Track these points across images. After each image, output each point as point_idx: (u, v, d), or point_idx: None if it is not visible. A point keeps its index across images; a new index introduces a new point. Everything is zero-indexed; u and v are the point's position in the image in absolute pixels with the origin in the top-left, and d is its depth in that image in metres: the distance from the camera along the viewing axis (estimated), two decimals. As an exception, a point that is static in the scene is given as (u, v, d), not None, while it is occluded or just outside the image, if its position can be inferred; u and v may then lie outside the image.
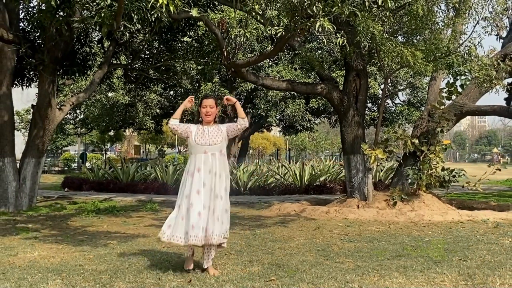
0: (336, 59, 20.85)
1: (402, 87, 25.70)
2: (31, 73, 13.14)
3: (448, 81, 10.80)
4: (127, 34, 11.60)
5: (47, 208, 11.64)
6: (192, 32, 13.64)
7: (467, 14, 9.42)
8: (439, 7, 9.60)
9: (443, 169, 10.51)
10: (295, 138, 54.07)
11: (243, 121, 5.33)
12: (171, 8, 5.80)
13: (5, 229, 8.47)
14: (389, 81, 18.10)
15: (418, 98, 25.78)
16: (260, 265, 5.49)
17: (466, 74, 9.91)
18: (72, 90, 22.19)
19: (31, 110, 12.08)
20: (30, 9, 12.24)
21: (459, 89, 10.76)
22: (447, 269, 5.20)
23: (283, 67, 21.79)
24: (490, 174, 10.73)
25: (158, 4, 5.74)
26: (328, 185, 16.22)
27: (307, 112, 23.64)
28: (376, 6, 7.28)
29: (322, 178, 16.69)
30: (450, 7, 9.49)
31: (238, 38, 8.49)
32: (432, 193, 10.74)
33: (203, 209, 5.05)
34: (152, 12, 7.29)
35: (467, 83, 10.87)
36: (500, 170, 10.90)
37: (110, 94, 23.45)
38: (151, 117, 24.90)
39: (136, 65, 14.50)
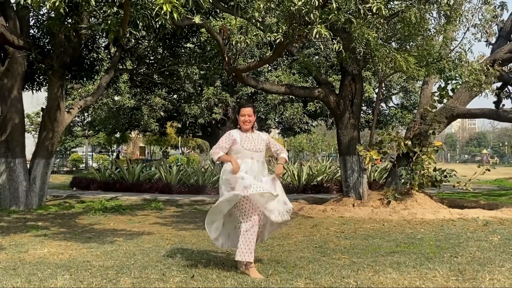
0: (332, 64, 20.85)
1: (396, 91, 25.71)
2: (41, 77, 13.15)
3: (440, 85, 10.82)
4: (133, 41, 11.63)
5: (56, 206, 11.65)
6: (195, 39, 13.64)
7: (457, 22, 9.41)
8: (431, 14, 9.60)
9: (435, 170, 10.51)
10: (293, 140, 54.01)
11: (285, 156, 5.39)
12: (175, 16, 5.80)
13: (16, 227, 8.48)
14: (383, 85, 18.11)
15: (411, 101, 25.76)
16: (259, 261, 5.49)
17: (457, 78, 9.92)
18: (80, 94, 22.18)
19: (41, 113, 12.09)
20: (40, 17, 12.26)
21: (450, 93, 10.77)
22: (438, 265, 5.20)
23: (282, 72, 21.78)
24: (480, 174, 10.74)
25: (163, 12, 5.74)
26: (325, 184, 16.21)
27: (305, 115, 23.63)
28: (370, 13, 7.29)
29: (319, 178, 16.69)
30: (441, 15, 9.48)
31: (238, 44, 8.47)
32: (424, 192, 10.74)
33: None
34: (157, 20, 7.30)
35: (458, 87, 10.87)
36: (489, 170, 10.91)
37: (116, 98, 23.43)
38: (155, 119, 24.87)
39: (141, 70, 14.51)
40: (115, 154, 40.77)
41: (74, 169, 36.63)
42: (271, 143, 5.38)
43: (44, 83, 13.29)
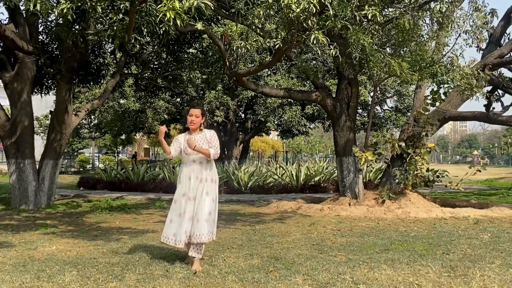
0: (329, 69, 20.84)
1: (390, 95, 25.71)
2: (49, 81, 13.15)
3: (432, 89, 10.81)
4: (138, 46, 11.62)
5: (64, 205, 11.64)
6: (197, 44, 13.66)
7: (449, 28, 9.42)
8: (424, 21, 9.61)
9: (427, 170, 10.51)
10: (291, 142, 54.12)
11: (215, 153, 5.22)
12: (178, 22, 5.80)
13: (26, 225, 8.47)
14: (378, 89, 18.11)
15: (405, 104, 25.77)
16: (259, 258, 5.49)
17: (449, 82, 9.91)
18: (87, 98, 22.21)
19: (50, 116, 12.08)
20: (48, 23, 12.26)
21: (442, 97, 10.77)
22: (431, 262, 5.20)
23: (280, 76, 21.77)
24: (471, 174, 10.75)
25: (166, 19, 5.74)
26: (322, 184, 16.21)
27: (303, 118, 23.61)
28: (366, 20, 7.30)
29: (316, 178, 16.68)
30: (434, 21, 9.48)
31: (239, 49, 8.49)
32: (418, 192, 10.73)
33: (190, 214, 5.10)
34: (161, 26, 7.32)
35: (450, 91, 10.87)
36: (480, 171, 10.92)
37: (122, 101, 23.43)
38: (159, 122, 24.89)
39: (146, 75, 14.51)
40: (129, 155, 40.89)
41: (81, 169, 36.62)
42: (210, 141, 5.26)
43: (52, 87, 13.29)
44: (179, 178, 5.28)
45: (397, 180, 10.64)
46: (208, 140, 5.26)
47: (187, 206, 5.12)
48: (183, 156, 5.26)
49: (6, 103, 11.50)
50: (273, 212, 10.39)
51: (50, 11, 6.56)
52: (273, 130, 30.79)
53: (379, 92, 23.60)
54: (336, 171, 13.35)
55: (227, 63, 9.77)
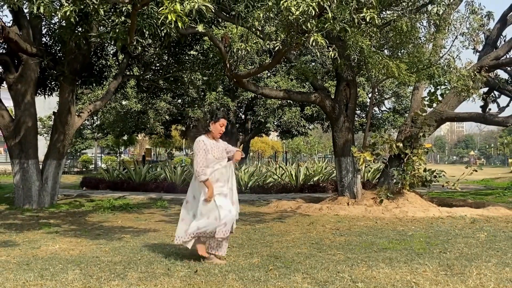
0: (328, 71, 20.85)
1: (388, 96, 25.73)
2: (52, 83, 13.16)
3: (430, 90, 10.82)
4: (139, 48, 11.59)
5: (67, 205, 11.64)
6: (198, 46, 13.65)
7: (446, 30, 9.43)
8: (421, 23, 9.62)
9: (425, 170, 10.51)
10: (291, 142, 54.10)
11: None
12: (179, 25, 5.80)
13: (29, 224, 8.47)
14: (376, 90, 18.11)
15: (402, 105, 25.79)
16: (259, 256, 5.50)
17: (446, 84, 9.91)
18: (89, 99, 22.19)
19: (53, 117, 12.08)
20: (51, 25, 12.26)
21: (439, 98, 10.77)
22: (428, 261, 5.21)
23: (280, 78, 21.79)
24: (468, 174, 10.74)
25: (168, 21, 5.74)
26: (321, 184, 16.20)
27: (302, 119, 23.64)
28: (364, 22, 7.29)
29: (315, 178, 16.67)
30: (431, 24, 9.49)
31: (239, 51, 8.48)
32: (415, 191, 10.73)
33: (232, 207, 5.28)
34: (162, 28, 7.32)
35: (447, 92, 10.88)
36: (476, 171, 10.93)
37: (124, 102, 23.44)
38: (161, 123, 24.89)
39: (148, 76, 14.51)
40: (131, 155, 40.95)
41: (84, 169, 36.60)
42: (227, 147, 5.49)
43: (55, 88, 13.29)
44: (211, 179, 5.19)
45: (395, 180, 10.64)
46: (226, 150, 5.43)
47: (225, 201, 5.25)
48: (212, 160, 5.23)
49: (10, 104, 11.51)
50: (272, 211, 10.39)
51: (53, 14, 6.57)
52: (272, 131, 30.82)
53: (377, 93, 23.60)
54: (334, 171, 13.36)
55: (228, 65, 9.76)
